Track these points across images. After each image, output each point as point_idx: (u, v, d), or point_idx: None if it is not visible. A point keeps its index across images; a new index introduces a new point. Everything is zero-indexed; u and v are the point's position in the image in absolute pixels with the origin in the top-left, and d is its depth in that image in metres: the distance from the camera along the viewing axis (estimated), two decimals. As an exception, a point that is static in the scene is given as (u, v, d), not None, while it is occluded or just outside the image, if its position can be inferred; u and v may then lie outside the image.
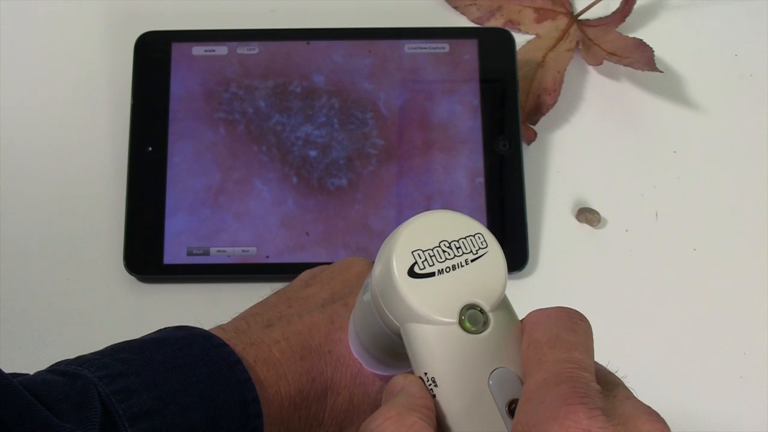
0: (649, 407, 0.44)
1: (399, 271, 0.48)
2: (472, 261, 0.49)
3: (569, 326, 0.47)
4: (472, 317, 0.48)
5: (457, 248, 0.49)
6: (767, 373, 0.82)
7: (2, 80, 0.90)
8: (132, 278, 0.84)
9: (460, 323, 0.48)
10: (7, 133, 0.88)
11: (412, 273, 0.48)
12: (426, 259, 0.49)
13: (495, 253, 0.50)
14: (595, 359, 0.49)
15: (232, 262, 0.84)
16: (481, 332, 0.48)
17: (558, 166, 0.89)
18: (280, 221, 0.84)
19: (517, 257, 0.84)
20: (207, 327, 0.61)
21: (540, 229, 0.87)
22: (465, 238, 0.49)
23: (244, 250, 0.84)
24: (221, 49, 0.89)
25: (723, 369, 0.83)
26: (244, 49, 0.89)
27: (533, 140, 0.89)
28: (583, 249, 0.86)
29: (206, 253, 0.84)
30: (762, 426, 0.80)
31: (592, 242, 0.86)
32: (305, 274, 0.68)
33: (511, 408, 0.47)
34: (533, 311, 0.49)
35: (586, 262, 0.86)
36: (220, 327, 0.62)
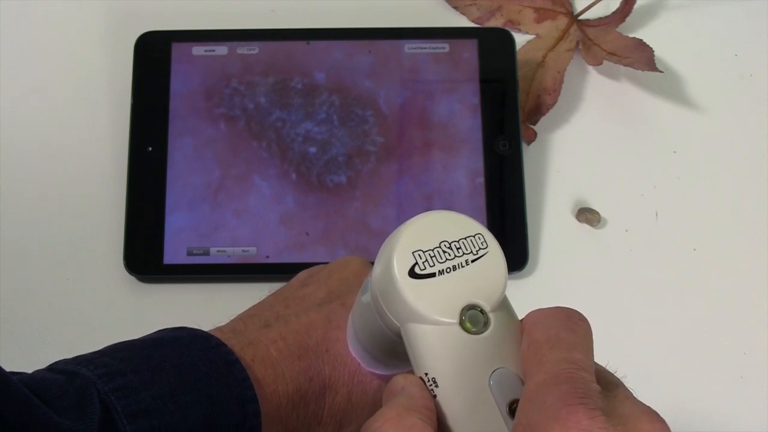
0: (648, 407, 0.44)
1: (400, 271, 0.48)
2: (473, 261, 0.49)
3: (569, 326, 0.47)
4: (472, 318, 0.48)
5: (457, 249, 0.49)
6: (767, 373, 0.82)
7: (2, 80, 0.90)
8: (132, 278, 0.84)
9: (461, 324, 0.48)
10: (7, 133, 0.88)
11: (412, 273, 0.48)
12: (427, 260, 0.49)
13: (495, 254, 0.50)
14: (595, 359, 0.49)
15: (232, 262, 0.84)
16: (482, 333, 0.48)
17: (558, 166, 0.89)
18: (279, 218, 0.84)
19: (517, 257, 0.84)
20: (206, 327, 0.61)
21: (540, 229, 0.87)
22: (465, 238, 0.50)
23: (244, 250, 0.84)
24: (221, 49, 0.89)
25: (723, 369, 0.83)
26: (244, 49, 0.89)
27: (533, 140, 0.89)
28: (583, 249, 0.86)
29: (206, 253, 0.84)
30: (762, 426, 0.80)
31: (592, 242, 0.86)
32: (302, 274, 0.68)
33: (512, 408, 0.47)
34: (533, 311, 0.49)
35: (586, 262, 0.86)
36: (218, 328, 0.62)
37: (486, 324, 0.48)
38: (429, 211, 0.50)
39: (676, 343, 0.83)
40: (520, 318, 0.50)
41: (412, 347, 0.49)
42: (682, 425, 0.79)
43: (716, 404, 0.81)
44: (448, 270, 0.49)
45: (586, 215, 0.86)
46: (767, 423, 0.81)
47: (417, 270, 0.48)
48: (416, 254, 0.49)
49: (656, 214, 0.87)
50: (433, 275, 0.48)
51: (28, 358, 0.58)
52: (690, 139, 0.90)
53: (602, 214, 0.87)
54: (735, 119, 0.91)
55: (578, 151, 0.89)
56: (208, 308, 0.82)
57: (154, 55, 0.89)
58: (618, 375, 0.48)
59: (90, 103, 0.90)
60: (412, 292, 0.48)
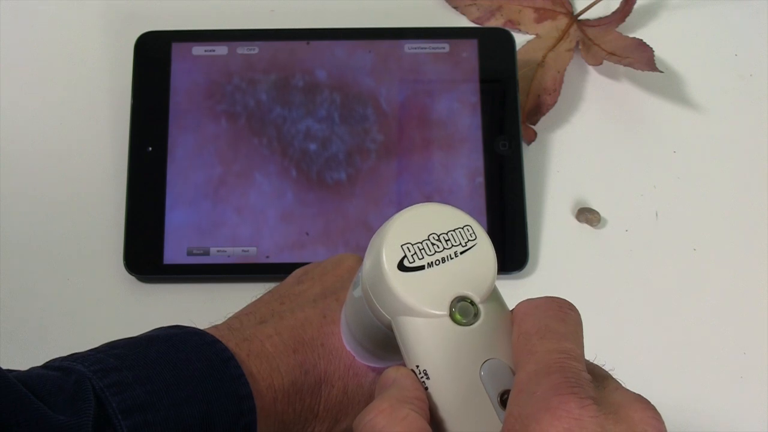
0: (639, 395, 0.44)
1: (389, 265, 0.48)
2: (462, 253, 0.49)
3: (559, 316, 0.47)
4: (462, 309, 0.48)
5: (446, 241, 0.49)
6: (767, 373, 0.82)
7: (2, 80, 0.90)
8: (132, 278, 0.84)
9: (451, 315, 0.48)
10: (7, 133, 0.88)
11: (402, 267, 0.48)
12: (415, 253, 0.49)
13: (484, 245, 0.50)
14: (593, 358, 0.49)
15: (232, 262, 0.84)
16: (472, 324, 0.48)
17: (558, 166, 0.89)
18: (279, 216, 0.84)
19: (517, 257, 0.84)
20: (204, 327, 0.61)
21: (540, 229, 0.87)
22: (454, 230, 0.50)
23: (244, 250, 0.84)
24: (221, 49, 0.89)
25: (723, 369, 0.82)
26: (244, 49, 0.89)
27: (533, 140, 0.89)
28: (583, 249, 0.86)
29: (206, 253, 0.84)
30: (762, 426, 0.80)
31: (592, 242, 0.86)
32: (297, 272, 0.68)
33: (503, 398, 0.47)
34: (523, 301, 0.49)
35: (586, 262, 0.86)
36: (214, 326, 0.62)
37: (476, 315, 0.48)
38: (417, 204, 0.51)
39: (676, 343, 0.83)
40: (510, 308, 0.50)
41: (403, 340, 0.49)
42: (682, 425, 0.79)
43: (716, 404, 0.81)
44: (437, 262, 0.49)
45: (586, 215, 0.86)
46: (767, 423, 0.80)
47: (406, 263, 0.48)
48: (405, 247, 0.49)
49: (656, 214, 0.87)
50: (422, 268, 0.49)
51: (28, 358, 0.58)
52: (690, 139, 0.90)
53: (602, 214, 0.87)
54: (735, 119, 0.91)
55: (578, 151, 0.89)
56: (208, 308, 0.82)
57: (154, 55, 0.89)
58: (606, 368, 0.48)
59: (90, 103, 0.90)
60: (401, 285, 0.48)
